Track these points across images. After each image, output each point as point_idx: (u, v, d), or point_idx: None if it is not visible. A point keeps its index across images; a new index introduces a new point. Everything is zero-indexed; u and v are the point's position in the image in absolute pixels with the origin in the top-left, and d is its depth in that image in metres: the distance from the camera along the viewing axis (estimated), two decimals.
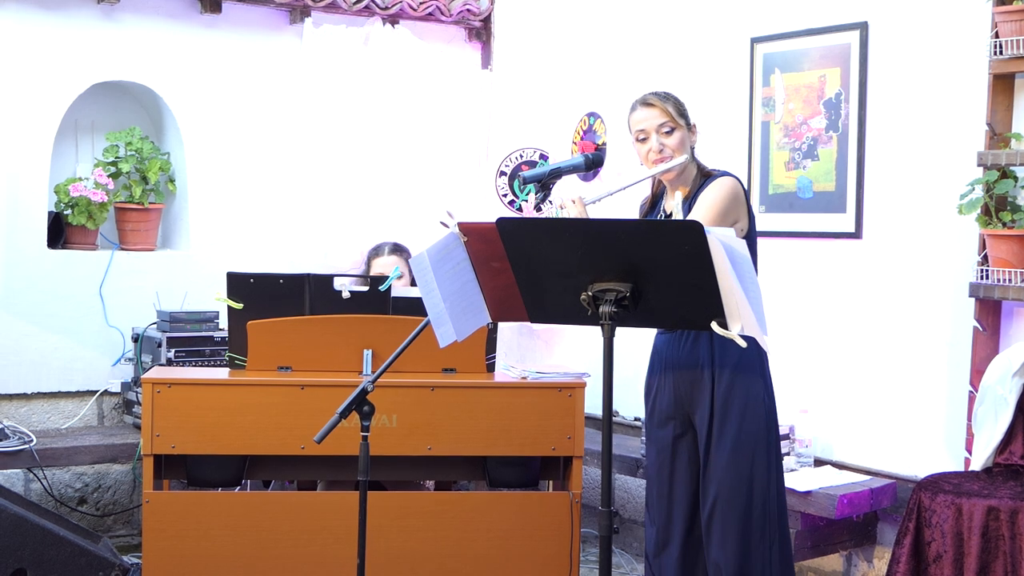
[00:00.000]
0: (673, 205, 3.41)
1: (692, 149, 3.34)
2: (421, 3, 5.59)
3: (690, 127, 3.33)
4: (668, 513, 3.37)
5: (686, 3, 4.94)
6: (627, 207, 3.72)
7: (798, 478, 4.07)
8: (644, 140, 3.30)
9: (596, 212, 3.32)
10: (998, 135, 3.79)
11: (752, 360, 3.22)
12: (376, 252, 4.89)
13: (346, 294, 3.90)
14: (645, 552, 3.48)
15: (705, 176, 3.32)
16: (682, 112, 3.32)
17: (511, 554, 3.80)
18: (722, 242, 2.66)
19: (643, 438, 4.48)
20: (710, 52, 4.81)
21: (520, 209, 5.45)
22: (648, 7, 5.11)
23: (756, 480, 3.22)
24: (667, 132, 3.28)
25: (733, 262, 2.66)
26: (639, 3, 5.15)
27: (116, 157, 5.11)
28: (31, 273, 4.92)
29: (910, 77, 4.12)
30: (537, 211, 3.48)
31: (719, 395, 3.23)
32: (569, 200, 3.29)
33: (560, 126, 5.41)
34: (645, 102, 3.32)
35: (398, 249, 4.85)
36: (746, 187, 3.33)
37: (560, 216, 3.31)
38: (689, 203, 3.29)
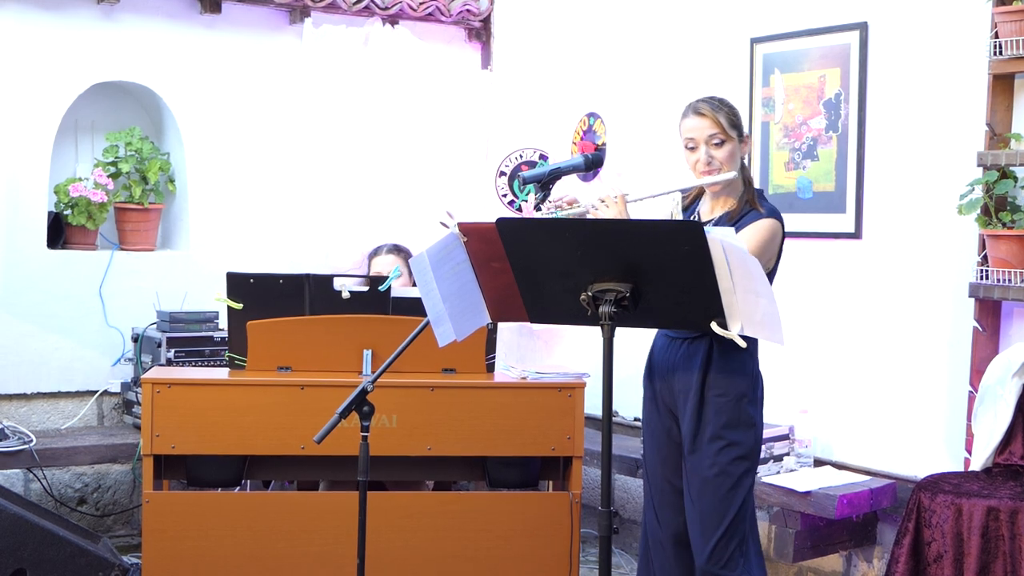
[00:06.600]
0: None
1: (742, 159, 3.26)
2: (421, 3, 5.59)
3: (742, 139, 3.25)
4: (656, 513, 3.38)
5: (686, 3, 4.94)
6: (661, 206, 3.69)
7: (798, 478, 4.07)
8: (693, 149, 3.22)
9: (633, 209, 3.28)
10: (998, 135, 3.79)
11: (747, 372, 3.21)
12: (375, 252, 4.91)
13: (346, 294, 3.90)
14: (639, 548, 3.48)
15: (750, 201, 3.23)
16: (734, 123, 3.22)
17: (511, 554, 3.80)
18: (722, 242, 2.66)
19: (643, 439, 4.49)
20: (710, 52, 4.81)
21: (520, 209, 5.45)
22: (648, 7, 5.11)
23: (739, 494, 3.21)
24: (717, 144, 3.20)
25: (732, 263, 2.66)
26: (639, 3, 5.15)
27: (116, 157, 5.11)
28: (31, 273, 4.92)
29: (910, 77, 4.12)
30: (536, 211, 3.47)
31: (708, 403, 3.21)
32: (611, 198, 3.23)
33: (560, 126, 5.40)
34: (697, 111, 3.22)
35: (397, 249, 4.86)
36: (785, 228, 3.28)
37: (594, 211, 3.25)
38: (735, 227, 3.16)
